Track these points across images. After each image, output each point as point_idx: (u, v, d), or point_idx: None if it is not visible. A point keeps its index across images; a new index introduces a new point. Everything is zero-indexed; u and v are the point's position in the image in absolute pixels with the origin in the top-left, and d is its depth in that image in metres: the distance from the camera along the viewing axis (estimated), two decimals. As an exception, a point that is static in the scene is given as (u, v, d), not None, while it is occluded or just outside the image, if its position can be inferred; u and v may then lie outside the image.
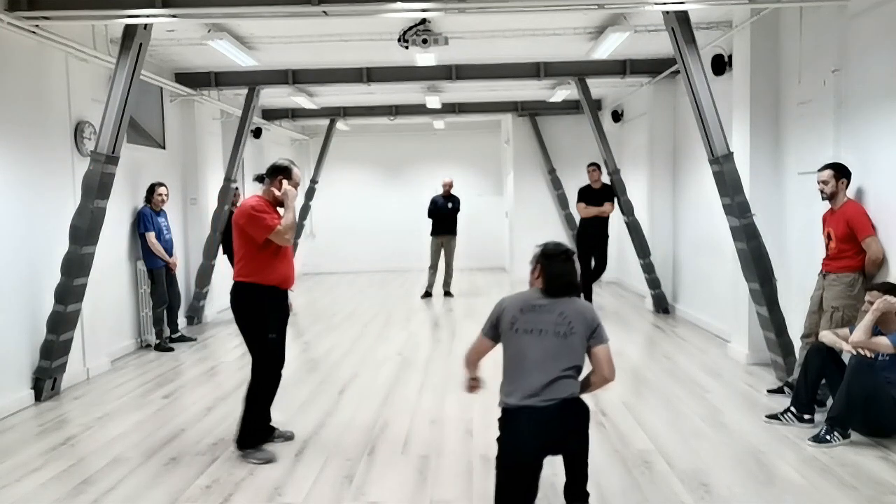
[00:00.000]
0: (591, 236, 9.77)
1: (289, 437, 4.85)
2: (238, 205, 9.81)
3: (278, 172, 4.59)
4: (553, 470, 4.20)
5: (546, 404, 3.21)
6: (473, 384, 3.68)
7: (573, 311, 3.35)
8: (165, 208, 8.04)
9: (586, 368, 3.40)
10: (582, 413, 3.33)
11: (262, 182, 4.70)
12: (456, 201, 11.71)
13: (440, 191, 11.78)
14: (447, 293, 11.72)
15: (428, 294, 11.61)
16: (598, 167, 9.90)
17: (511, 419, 3.27)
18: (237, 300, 4.56)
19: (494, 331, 3.45)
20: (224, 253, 9.68)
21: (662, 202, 9.84)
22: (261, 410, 4.63)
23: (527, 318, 3.35)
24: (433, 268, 11.68)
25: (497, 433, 3.33)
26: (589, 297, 9.97)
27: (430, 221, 11.71)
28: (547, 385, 3.23)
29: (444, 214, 11.57)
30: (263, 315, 4.51)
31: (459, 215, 11.79)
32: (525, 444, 3.24)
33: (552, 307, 3.35)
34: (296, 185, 4.63)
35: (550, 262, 3.44)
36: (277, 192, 4.55)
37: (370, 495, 3.92)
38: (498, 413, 3.35)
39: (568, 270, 3.43)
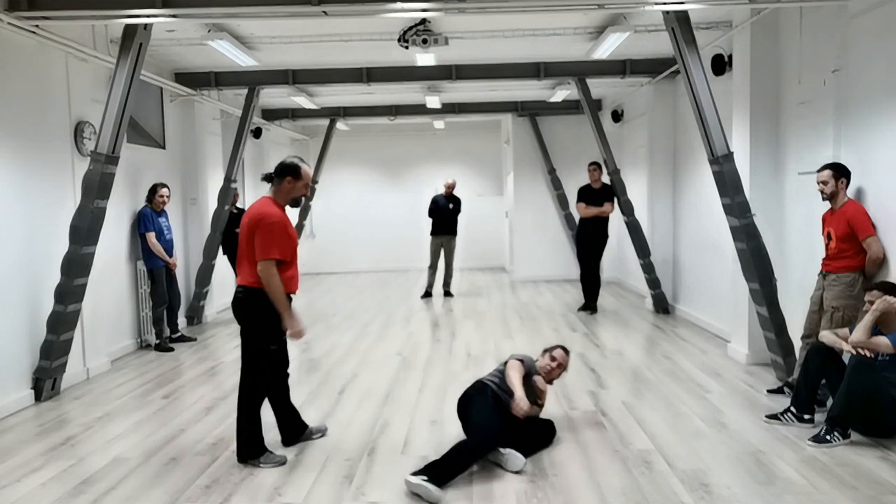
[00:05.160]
0: (591, 236, 9.77)
1: (324, 433, 4.92)
2: (238, 205, 10.04)
3: (286, 172, 4.32)
4: (554, 471, 4.19)
5: None
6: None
7: None
8: (166, 208, 8.04)
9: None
10: None
11: (270, 181, 4.40)
12: (457, 202, 11.70)
13: (441, 190, 11.78)
14: (447, 293, 11.72)
15: (428, 294, 11.60)
16: (599, 166, 9.90)
17: None
18: (246, 305, 4.31)
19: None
20: (224, 253, 9.70)
21: (662, 202, 9.84)
22: (255, 416, 4.42)
23: None
24: (433, 268, 11.68)
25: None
26: (594, 299, 9.93)
27: (430, 221, 11.71)
28: None
29: (444, 214, 11.55)
30: (270, 323, 4.28)
31: (459, 215, 11.79)
32: None
33: None
34: (305, 185, 4.37)
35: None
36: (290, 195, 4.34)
37: (370, 495, 3.92)
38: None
39: None
